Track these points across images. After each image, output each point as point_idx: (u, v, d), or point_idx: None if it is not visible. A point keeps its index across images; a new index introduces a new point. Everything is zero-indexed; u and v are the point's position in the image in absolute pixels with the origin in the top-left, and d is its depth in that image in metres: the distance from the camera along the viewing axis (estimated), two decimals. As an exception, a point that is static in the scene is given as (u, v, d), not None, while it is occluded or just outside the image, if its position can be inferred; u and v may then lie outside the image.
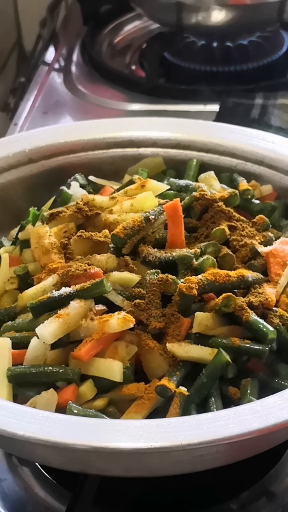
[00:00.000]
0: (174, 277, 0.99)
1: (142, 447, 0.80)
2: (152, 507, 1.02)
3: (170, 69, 1.89)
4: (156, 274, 0.99)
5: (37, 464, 1.06)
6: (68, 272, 1.01)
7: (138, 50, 2.01)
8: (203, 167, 1.27)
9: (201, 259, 1.03)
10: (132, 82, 1.86)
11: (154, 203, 1.11)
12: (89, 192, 1.21)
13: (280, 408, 0.84)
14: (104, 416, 0.90)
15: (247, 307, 0.97)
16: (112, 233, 1.05)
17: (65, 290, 0.98)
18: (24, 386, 0.95)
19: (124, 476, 0.91)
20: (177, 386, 0.92)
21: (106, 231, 1.07)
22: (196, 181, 1.23)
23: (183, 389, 0.92)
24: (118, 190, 1.20)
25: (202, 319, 0.96)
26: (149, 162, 1.30)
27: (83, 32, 2.07)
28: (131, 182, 1.19)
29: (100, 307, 0.98)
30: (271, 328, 0.96)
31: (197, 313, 0.97)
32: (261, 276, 1.04)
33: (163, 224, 1.08)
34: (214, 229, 1.09)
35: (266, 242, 1.09)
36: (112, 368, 0.93)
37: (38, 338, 0.95)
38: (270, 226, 1.14)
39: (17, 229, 1.18)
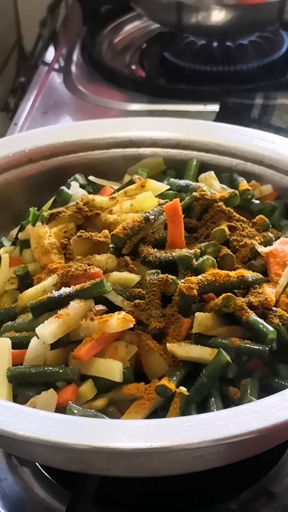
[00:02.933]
0: (174, 277, 0.99)
1: (142, 447, 0.80)
2: (152, 507, 1.02)
3: (170, 69, 1.89)
4: (156, 274, 0.99)
5: (37, 464, 1.06)
6: (68, 272, 1.01)
7: (138, 50, 2.01)
8: (203, 167, 1.27)
9: (201, 259, 1.03)
10: (132, 82, 1.86)
11: (154, 203, 1.11)
12: (89, 192, 1.21)
13: (280, 408, 0.84)
14: (104, 416, 0.90)
15: (247, 307, 0.97)
16: (112, 233, 1.05)
17: (65, 290, 0.98)
18: (24, 386, 0.95)
19: (124, 476, 0.91)
20: (177, 386, 0.92)
21: (106, 231, 1.07)
22: (196, 181, 1.23)
23: (183, 389, 0.92)
24: (118, 190, 1.20)
25: (202, 319, 0.96)
26: (149, 162, 1.29)
27: (83, 32, 2.07)
28: (131, 182, 1.19)
29: (100, 307, 0.98)
30: (271, 328, 0.96)
31: (197, 314, 0.97)
32: (261, 276, 1.04)
33: (163, 224, 1.08)
34: (214, 229, 1.09)
35: (266, 242, 1.09)
36: (112, 368, 0.93)
37: (38, 338, 0.95)
38: (270, 226, 1.14)
39: (17, 229, 1.18)
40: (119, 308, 0.98)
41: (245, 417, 0.83)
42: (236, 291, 1.02)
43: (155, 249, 1.05)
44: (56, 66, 1.98)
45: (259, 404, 0.86)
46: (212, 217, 1.12)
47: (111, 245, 1.05)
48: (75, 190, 1.21)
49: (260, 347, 0.95)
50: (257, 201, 1.19)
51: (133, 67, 1.95)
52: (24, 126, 1.73)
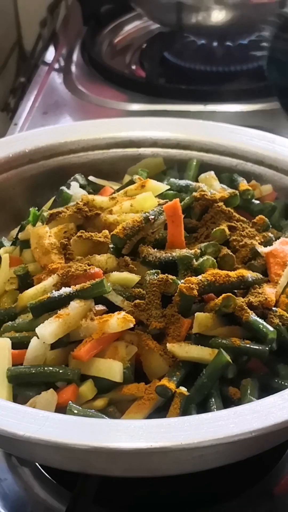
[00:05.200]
0: (174, 277, 0.99)
1: (142, 447, 0.80)
2: (152, 507, 1.02)
3: (170, 69, 1.89)
4: (156, 274, 0.99)
5: (37, 464, 1.06)
6: (68, 272, 1.01)
7: (138, 50, 2.01)
8: (203, 167, 1.27)
9: (201, 259, 1.03)
10: (132, 82, 1.86)
11: (154, 203, 1.11)
12: (89, 192, 1.21)
13: (280, 408, 0.84)
14: (104, 416, 0.90)
15: (247, 307, 0.97)
16: (112, 233, 1.05)
17: (65, 290, 0.98)
18: (24, 386, 0.95)
19: (124, 476, 0.91)
20: (177, 386, 0.92)
21: (106, 231, 1.07)
22: (196, 181, 1.23)
23: (183, 389, 0.92)
24: (118, 190, 1.19)
25: (202, 319, 0.96)
26: (149, 162, 1.29)
27: (83, 32, 2.07)
28: (131, 182, 1.19)
29: (100, 307, 0.98)
30: (271, 328, 0.96)
31: (197, 314, 0.97)
32: (261, 276, 1.04)
33: (163, 224, 1.08)
34: (214, 230, 1.09)
35: (266, 243, 1.09)
36: (112, 368, 0.93)
37: (38, 338, 0.95)
38: (270, 226, 1.14)
39: (17, 229, 1.18)
40: (119, 308, 0.98)
41: (245, 417, 0.83)
42: (236, 291, 1.02)
43: (155, 249, 1.05)
44: (56, 66, 1.98)
45: (259, 404, 0.86)
46: (212, 217, 1.12)
47: (111, 245, 1.05)
48: (75, 190, 1.21)
49: (260, 347, 0.95)
50: (257, 201, 1.19)
51: (133, 67, 1.95)
52: (24, 126, 1.73)
